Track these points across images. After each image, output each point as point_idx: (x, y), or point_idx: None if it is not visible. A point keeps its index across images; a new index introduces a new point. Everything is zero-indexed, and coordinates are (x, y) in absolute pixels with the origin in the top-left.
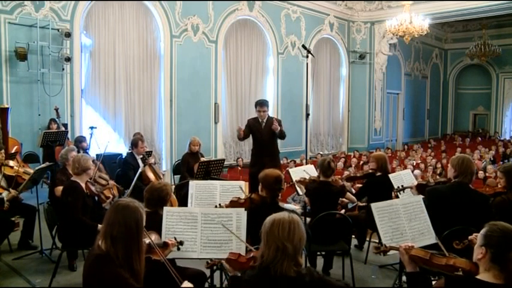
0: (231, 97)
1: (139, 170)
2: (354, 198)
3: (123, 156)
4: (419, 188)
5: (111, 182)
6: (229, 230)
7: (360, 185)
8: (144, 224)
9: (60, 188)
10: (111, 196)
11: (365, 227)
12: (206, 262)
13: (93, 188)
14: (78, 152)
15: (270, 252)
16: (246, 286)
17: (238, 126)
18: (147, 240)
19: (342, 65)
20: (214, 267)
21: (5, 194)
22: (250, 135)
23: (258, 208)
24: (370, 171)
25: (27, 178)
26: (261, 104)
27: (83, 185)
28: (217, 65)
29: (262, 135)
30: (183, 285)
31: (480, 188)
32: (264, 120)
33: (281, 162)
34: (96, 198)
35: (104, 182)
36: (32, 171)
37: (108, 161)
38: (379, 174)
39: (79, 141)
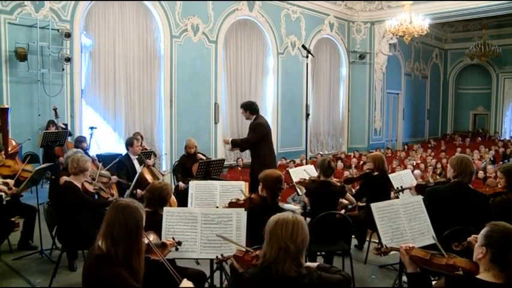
0: (231, 97)
1: (139, 172)
2: (353, 199)
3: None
4: (419, 189)
5: (114, 178)
6: (229, 240)
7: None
8: (144, 224)
9: (65, 177)
10: (115, 194)
11: (365, 227)
12: (216, 257)
13: (90, 187)
14: None
15: (272, 251)
16: (246, 284)
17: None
18: (145, 241)
19: (342, 65)
20: (215, 267)
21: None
22: None
23: (258, 208)
24: (367, 171)
25: (26, 175)
26: (240, 107)
27: (79, 186)
28: (217, 65)
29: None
30: (182, 284)
31: (480, 188)
32: (250, 122)
33: (277, 162)
34: (96, 196)
35: (105, 179)
36: (30, 168)
37: (108, 161)
38: (376, 173)
39: (79, 142)
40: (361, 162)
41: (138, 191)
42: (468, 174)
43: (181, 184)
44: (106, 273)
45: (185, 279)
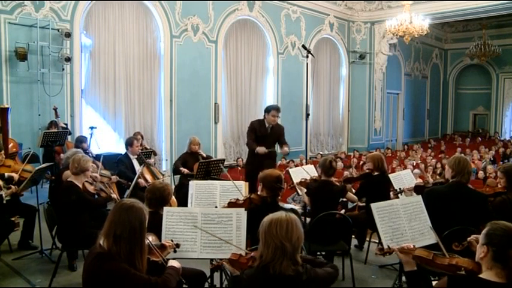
0: (231, 97)
1: (138, 172)
2: (355, 198)
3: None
4: (418, 189)
5: (114, 177)
6: (230, 243)
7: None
8: (146, 224)
9: (68, 172)
10: (115, 194)
11: (365, 227)
12: (211, 263)
13: (91, 188)
14: None
15: (268, 251)
16: (244, 285)
17: (260, 148)
18: (145, 241)
19: (342, 65)
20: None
21: (4, 190)
22: None
23: (258, 208)
24: (367, 171)
25: (26, 176)
26: (279, 110)
27: (80, 186)
28: (217, 65)
29: (267, 140)
30: (169, 263)
31: (480, 188)
32: (271, 125)
33: (278, 162)
34: (96, 196)
35: (105, 179)
36: (30, 168)
37: (108, 161)
38: (376, 173)
39: (80, 142)
40: (361, 162)
41: (141, 180)
42: (466, 174)
43: (183, 168)
44: (107, 268)
45: (171, 260)
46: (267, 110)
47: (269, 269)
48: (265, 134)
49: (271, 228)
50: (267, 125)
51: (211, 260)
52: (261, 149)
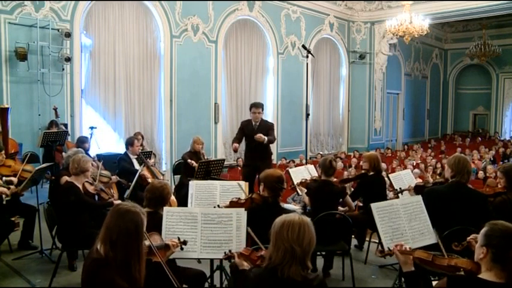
0: (231, 97)
1: (138, 172)
2: (352, 204)
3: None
4: (418, 189)
5: (114, 178)
6: (249, 231)
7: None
8: (144, 228)
9: (66, 177)
10: (116, 194)
11: (365, 227)
12: (224, 253)
13: (91, 188)
14: None
15: (278, 254)
16: (250, 283)
17: (233, 145)
18: (147, 243)
19: (342, 65)
20: (216, 267)
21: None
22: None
23: (259, 208)
24: (363, 171)
25: (26, 176)
26: (256, 106)
27: (80, 186)
28: (217, 65)
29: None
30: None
31: (480, 188)
32: (257, 123)
33: (278, 162)
34: (96, 197)
35: (105, 179)
36: (30, 168)
37: (108, 161)
38: (371, 173)
39: (81, 142)
40: (361, 162)
41: (145, 173)
42: (466, 174)
43: (190, 160)
44: (101, 277)
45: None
46: (249, 108)
47: (277, 272)
48: (252, 133)
49: (282, 230)
50: (253, 123)
51: (223, 253)
52: (233, 146)
